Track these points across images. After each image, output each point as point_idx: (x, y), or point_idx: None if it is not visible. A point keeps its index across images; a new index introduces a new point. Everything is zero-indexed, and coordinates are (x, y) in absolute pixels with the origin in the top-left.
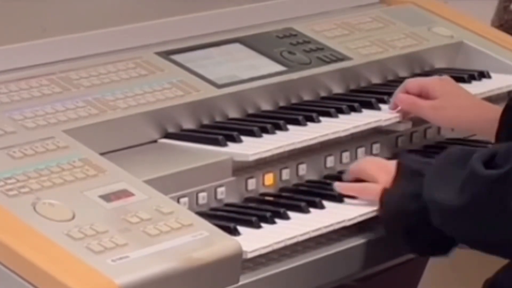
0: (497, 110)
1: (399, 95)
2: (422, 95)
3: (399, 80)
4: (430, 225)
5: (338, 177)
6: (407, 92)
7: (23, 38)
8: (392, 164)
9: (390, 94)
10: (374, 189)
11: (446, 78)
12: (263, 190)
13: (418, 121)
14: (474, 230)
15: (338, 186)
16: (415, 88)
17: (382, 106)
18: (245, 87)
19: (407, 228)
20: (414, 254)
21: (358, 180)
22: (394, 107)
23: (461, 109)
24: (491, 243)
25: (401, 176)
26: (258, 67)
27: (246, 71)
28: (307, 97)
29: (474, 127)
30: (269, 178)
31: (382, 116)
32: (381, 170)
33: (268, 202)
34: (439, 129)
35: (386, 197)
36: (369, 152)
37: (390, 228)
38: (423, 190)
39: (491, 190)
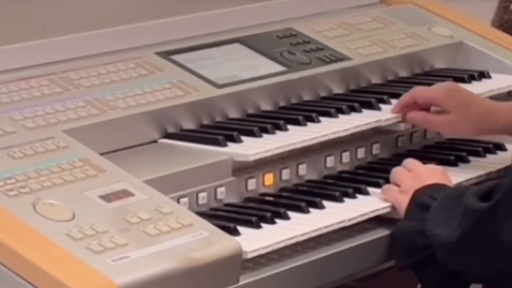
0: (507, 108)
1: (412, 113)
2: (432, 106)
3: (399, 80)
4: (438, 261)
5: (338, 177)
6: (415, 102)
7: (23, 38)
8: (425, 169)
9: (390, 94)
10: (393, 191)
11: (452, 87)
12: (263, 190)
13: None
14: (472, 264)
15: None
16: (422, 99)
17: (382, 106)
18: (245, 87)
19: (416, 264)
20: None
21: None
22: (397, 111)
23: (479, 118)
24: (492, 277)
25: (412, 210)
26: (258, 67)
27: (246, 71)
28: (307, 97)
29: (495, 132)
30: (269, 178)
31: (382, 116)
32: (411, 174)
33: (268, 202)
34: None
35: (397, 231)
36: (369, 152)
37: (401, 263)
38: (425, 226)
39: (481, 223)
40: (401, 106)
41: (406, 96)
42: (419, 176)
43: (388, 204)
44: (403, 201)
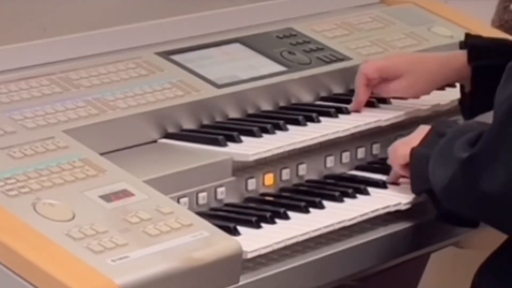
0: (460, 55)
1: (377, 88)
2: (384, 77)
3: None
4: None
5: (338, 177)
6: (367, 78)
7: (23, 38)
8: (421, 127)
9: None
10: (401, 148)
11: (399, 52)
12: (263, 190)
13: (415, 121)
14: (461, 210)
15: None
16: (374, 73)
17: (382, 106)
18: (245, 87)
19: (430, 190)
20: (441, 223)
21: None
22: (356, 107)
23: (432, 73)
24: (478, 217)
25: (429, 137)
26: (258, 67)
27: (246, 71)
28: (307, 97)
29: (451, 81)
30: (269, 178)
31: (382, 116)
32: (411, 135)
33: (268, 202)
34: None
35: (412, 158)
36: (369, 152)
37: (416, 188)
38: (429, 162)
39: (461, 171)
40: (358, 101)
41: (358, 78)
42: (418, 131)
43: (388, 204)
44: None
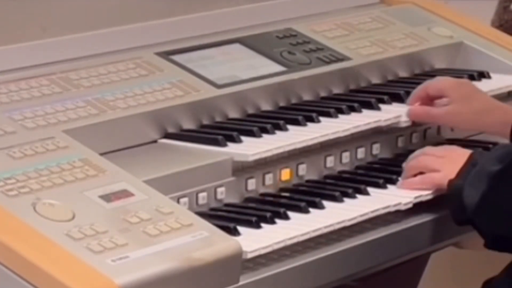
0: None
1: (413, 108)
2: (441, 97)
3: (399, 80)
4: None
5: (338, 177)
6: (427, 94)
7: (23, 38)
8: (457, 153)
9: (390, 94)
10: (437, 177)
11: (464, 81)
12: (263, 190)
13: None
14: (492, 226)
15: (401, 185)
16: (434, 90)
17: (382, 106)
18: (245, 87)
19: (468, 220)
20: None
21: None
22: (412, 103)
23: (478, 113)
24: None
25: (466, 169)
26: (258, 67)
27: (246, 71)
28: (307, 97)
29: (492, 130)
30: (269, 178)
31: (382, 116)
32: (445, 160)
33: (268, 202)
34: (438, 129)
35: (451, 189)
36: (369, 152)
37: (456, 220)
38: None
39: (493, 185)
40: (414, 99)
41: (418, 89)
42: (453, 159)
43: (388, 204)
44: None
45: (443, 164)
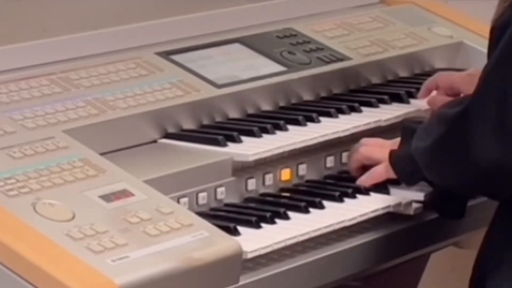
0: None
1: (433, 97)
2: (453, 91)
3: (399, 80)
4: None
5: (338, 177)
6: (437, 86)
7: (23, 38)
8: (393, 140)
9: (390, 94)
10: (382, 169)
11: (474, 72)
12: (263, 190)
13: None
14: (448, 176)
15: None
16: (444, 84)
17: (382, 106)
18: (245, 87)
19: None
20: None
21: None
22: (422, 96)
23: None
24: (466, 185)
25: (405, 139)
26: (258, 67)
27: (246, 71)
28: (307, 97)
29: None
30: (269, 178)
31: (382, 116)
32: (382, 148)
33: (268, 202)
34: None
35: (394, 159)
36: None
37: (408, 182)
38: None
39: (451, 128)
40: (425, 91)
41: (429, 81)
42: (383, 144)
43: (388, 204)
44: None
45: (383, 152)
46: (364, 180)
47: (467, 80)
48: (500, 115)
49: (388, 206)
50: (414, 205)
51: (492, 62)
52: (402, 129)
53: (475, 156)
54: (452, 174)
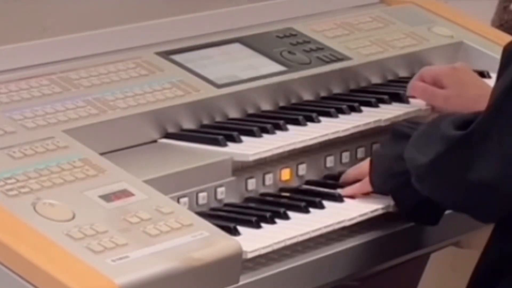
0: None
1: (414, 82)
2: (436, 84)
3: (399, 80)
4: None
5: (338, 177)
6: (422, 81)
7: (23, 38)
8: None
9: (390, 94)
10: (367, 180)
11: (460, 67)
12: (263, 190)
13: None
14: (440, 192)
15: (342, 192)
16: (428, 77)
17: (382, 106)
18: (245, 87)
19: (393, 189)
20: (404, 219)
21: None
22: (410, 94)
23: (471, 99)
24: (456, 202)
25: (390, 139)
26: (258, 67)
27: (246, 71)
28: (307, 97)
29: None
30: (269, 178)
31: (382, 116)
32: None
33: (268, 202)
34: None
35: (375, 159)
36: (369, 152)
37: (378, 188)
38: (405, 151)
39: (453, 149)
40: (413, 88)
41: (415, 78)
42: None
43: (388, 204)
44: None
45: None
46: (355, 188)
47: (450, 74)
48: (501, 139)
49: (388, 206)
50: None
51: (501, 88)
52: (392, 131)
53: (471, 177)
54: (444, 190)
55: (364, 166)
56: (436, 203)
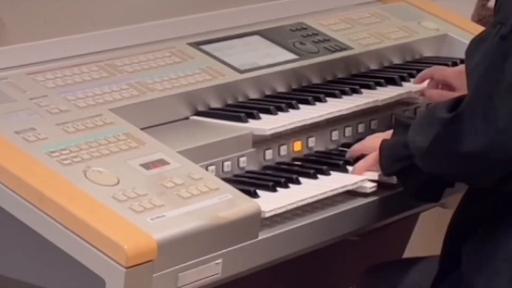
0: None
1: (430, 91)
2: (445, 85)
3: (394, 66)
4: (419, 169)
5: (341, 149)
6: (432, 78)
7: (75, 31)
8: (384, 134)
9: (385, 78)
10: (373, 155)
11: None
12: (278, 159)
13: (408, 102)
14: (440, 167)
15: (352, 170)
16: (439, 77)
17: (379, 88)
18: (263, 72)
19: (399, 172)
20: (409, 197)
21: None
22: (417, 82)
23: None
24: (454, 173)
25: (396, 130)
26: (274, 55)
27: (264, 59)
28: (315, 81)
29: None
30: (283, 149)
31: (379, 96)
32: (378, 139)
33: (283, 170)
34: (427, 106)
35: (383, 146)
36: (368, 127)
37: (387, 171)
38: (407, 134)
39: (444, 131)
40: (420, 79)
41: (426, 71)
42: (383, 135)
43: (380, 173)
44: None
45: (377, 141)
46: (361, 166)
47: (458, 75)
48: (485, 114)
49: (381, 175)
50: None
51: (479, 70)
52: (395, 122)
53: (464, 149)
54: (443, 165)
55: (367, 142)
56: (436, 183)
